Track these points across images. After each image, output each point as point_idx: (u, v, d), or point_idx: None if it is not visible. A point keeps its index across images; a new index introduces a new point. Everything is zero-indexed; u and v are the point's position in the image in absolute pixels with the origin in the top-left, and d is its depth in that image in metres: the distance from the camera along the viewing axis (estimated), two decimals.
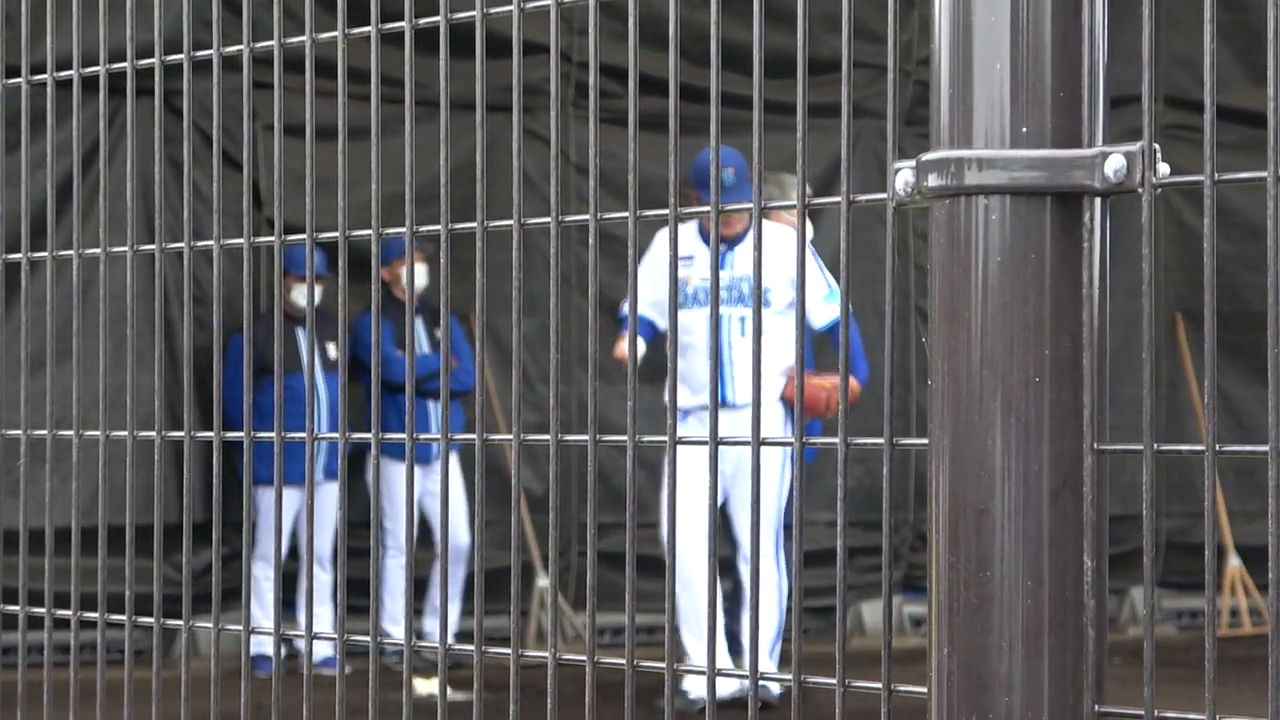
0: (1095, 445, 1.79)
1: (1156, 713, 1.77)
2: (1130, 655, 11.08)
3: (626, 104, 2.10)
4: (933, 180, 1.82)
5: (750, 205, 2.03)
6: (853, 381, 9.65)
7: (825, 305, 8.48)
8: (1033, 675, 1.77)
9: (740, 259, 8.58)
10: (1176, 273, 12.44)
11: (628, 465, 2.10)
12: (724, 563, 9.41)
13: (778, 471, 8.44)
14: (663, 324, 8.75)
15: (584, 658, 2.11)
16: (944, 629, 1.81)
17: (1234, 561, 12.30)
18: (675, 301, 2.19)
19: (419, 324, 10.38)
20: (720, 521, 8.37)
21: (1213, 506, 1.86)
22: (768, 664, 8.83)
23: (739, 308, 8.61)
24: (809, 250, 8.26)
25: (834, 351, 8.67)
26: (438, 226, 2.27)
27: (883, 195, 1.89)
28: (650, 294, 8.61)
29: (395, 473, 9.93)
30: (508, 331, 10.45)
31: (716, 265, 2.11)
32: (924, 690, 1.83)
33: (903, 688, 1.89)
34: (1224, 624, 12.11)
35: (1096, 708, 1.78)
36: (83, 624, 2.75)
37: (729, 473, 7.99)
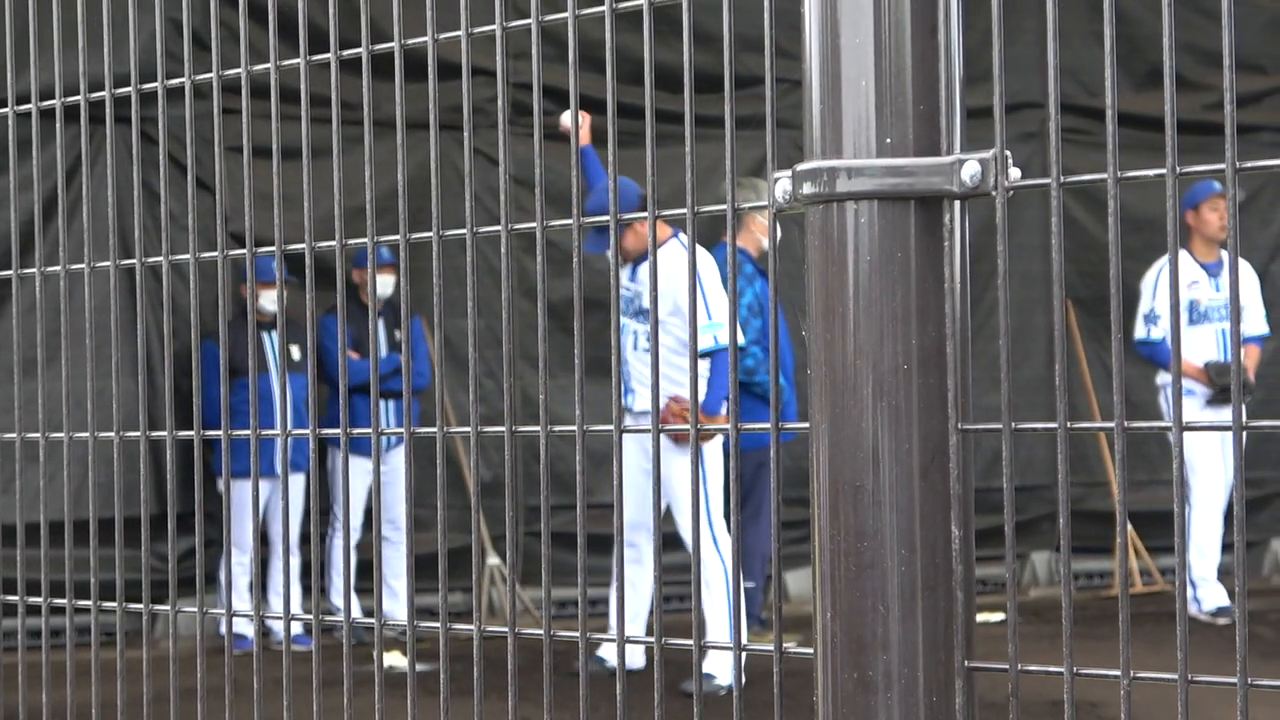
0: (960, 425, 1.81)
1: (1020, 666, 1.80)
2: (1031, 615, 11.14)
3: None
4: (807, 188, 1.84)
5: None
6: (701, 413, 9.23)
7: (700, 334, 8.21)
8: (908, 635, 1.80)
9: (643, 277, 8.43)
10: (1067, 263, 12.45)
11: (541, 456, 2.12)
12: (673, 545, 9.40)
13: (708, 468, 8.25)
14: None
15: (505, 629, 2.12)
16: (827, 595, 1.83)
17: None
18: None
19: (380, 326, 10.33)
20: (665, 514, 8.29)
21: (1067, 476, 1.89)
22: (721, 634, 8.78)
23: (633, 321, 8.49)
24: (707, 277, 7.95)
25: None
26: (396, 237, 2.27)
27: (764, 203, 1.91)
28: None
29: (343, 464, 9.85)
30: (455, 332, 10.46)
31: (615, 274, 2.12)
32: (811, 651, 1.85)
33: (792, 649, 1.91)
34: (1115, 584, 12.18)
35: (966, 663, 1.81)
36: (52, 610, 2.75)
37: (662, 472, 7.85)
